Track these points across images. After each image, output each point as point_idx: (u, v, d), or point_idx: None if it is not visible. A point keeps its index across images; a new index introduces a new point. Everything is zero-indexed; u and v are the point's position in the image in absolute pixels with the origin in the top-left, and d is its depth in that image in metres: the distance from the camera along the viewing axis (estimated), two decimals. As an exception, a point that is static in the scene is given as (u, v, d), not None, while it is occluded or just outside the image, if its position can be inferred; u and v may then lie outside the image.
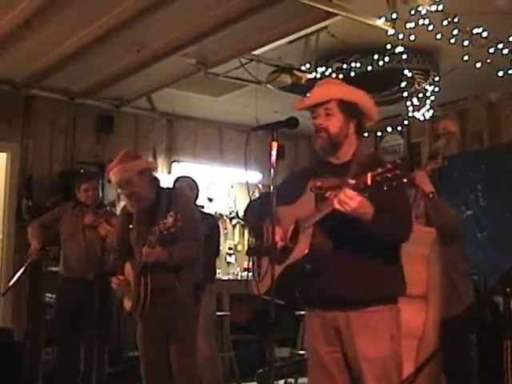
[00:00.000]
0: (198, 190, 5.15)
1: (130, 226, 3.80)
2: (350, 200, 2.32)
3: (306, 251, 2.49)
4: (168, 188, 4.00)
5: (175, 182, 5.11)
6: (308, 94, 2.78)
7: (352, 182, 2.33)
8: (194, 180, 5.15)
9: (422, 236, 3.40)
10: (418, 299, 3.28)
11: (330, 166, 2.68)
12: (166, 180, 6.45)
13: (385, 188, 2.24)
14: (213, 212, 6.88)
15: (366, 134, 2.80)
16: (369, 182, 2.26)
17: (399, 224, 2.51)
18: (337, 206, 2.35)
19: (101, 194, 5.67)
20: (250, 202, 3.08)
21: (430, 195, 3.64)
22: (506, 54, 4.69)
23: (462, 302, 3.83)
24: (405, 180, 2.24)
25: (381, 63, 5.11)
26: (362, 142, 2.75)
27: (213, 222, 5.23)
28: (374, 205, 2.39)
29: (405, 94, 5.55)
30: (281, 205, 2.64)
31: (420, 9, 4.33)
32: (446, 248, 3.60)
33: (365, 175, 2.28)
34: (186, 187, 5.00)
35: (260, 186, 7.67)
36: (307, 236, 2.51)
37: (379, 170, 2.24)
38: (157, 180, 3.86)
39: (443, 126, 4.00)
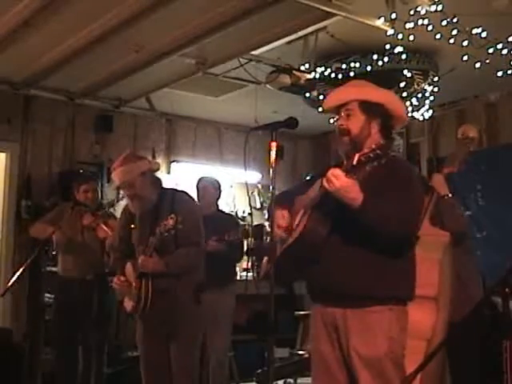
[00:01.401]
0: (220, 191, 5.23)
1: (132, 226, 3.81)
2: (334, 178, 2.34)
3: (297, 234, 2.52)
4: (171, 189, 3.99)
5: (199, 181, 5.16)
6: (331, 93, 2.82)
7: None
8: (217, 180, 5.23)
9: (436, 238, 3.42)
10: (429, 300, 3.29)
11: None
12: (165, 180, 6.46)
13: (367, 168, 2.30)
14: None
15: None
16: (354, 162, 2.31)
17: (394, 217, 2.41)
18: (324, 183, 2.38)
19: (100, 194, 5.67)
20: (281, 192, 3.06)
21: (445, 197, 3.69)
22: (506, 55, 4.69)
23: (472, 303, 3.84)
24: (383, 161, 2.30)
25: (380, 63, 5.12)
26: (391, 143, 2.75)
27: (240, 226, 5.31)
28: (366, 192, 2.38)
29: (404, 94, 5.54)
30: (299, 195, 2.70)
31: (419, 9, 4.33)
32: (455, 249, 3.63)
33: (353, 156, 2.34)
34: (210, 187, 5.08)
35: (259, 185, 7.68)
36: (304, 220, 2.54)
37: (365, 150, 2.32)
38: (159, 181, 3.86)
39: (463, 131, 4.05)
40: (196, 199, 5.05)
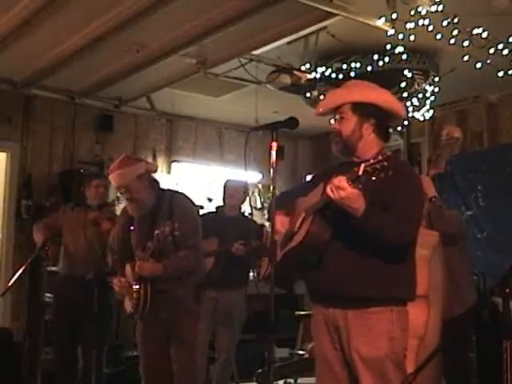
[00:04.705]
0: (246, 195, 5.22)
1: (131, 228, 3.81)
2: (339, 188, 2.34)
3: (301, 239, 2.52)
4: (169, 190, 3.98)
5: (229, 182, 5.16)
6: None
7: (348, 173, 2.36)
8: (247, 184, 5.21)
9: (424, 238, 3.43)
10: (419, 298, 3.29)
11: (352, 164, 2.64)
12: (165, 180, 6.46)
13: (373, 178, 2.26)
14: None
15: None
16: (360, 172, 2.28)
17: (394, 229, 2.44)
18: (328, 191, 2.38)
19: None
20: (281, 194, 3.06)
21: (433, 199, 3.72)
22: (506, 55, 4.69)
23: (464, 303, 3.85)
24: (390, 173, 2.25)
25: (381, 63, 5.12)
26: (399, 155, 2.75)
27: (264, 229, 5.33)
28: (369, 202, 2.39)
29: (405, 95, 5.54)
30: (300, 196, 2.70)
31: (420, 9, 4.33)
32: (449, 249, 3.64)
33: (359, 165, 2.30)
34: (241, 190, 5.07)
35: (260, 185, 7.68)
36: (307, 224, 2.54)
37: (371, 160, 2.26)
38: (157, 182, 3.85)
39: (447, 132, 4.07)
40: (222, 198, 5.12)
